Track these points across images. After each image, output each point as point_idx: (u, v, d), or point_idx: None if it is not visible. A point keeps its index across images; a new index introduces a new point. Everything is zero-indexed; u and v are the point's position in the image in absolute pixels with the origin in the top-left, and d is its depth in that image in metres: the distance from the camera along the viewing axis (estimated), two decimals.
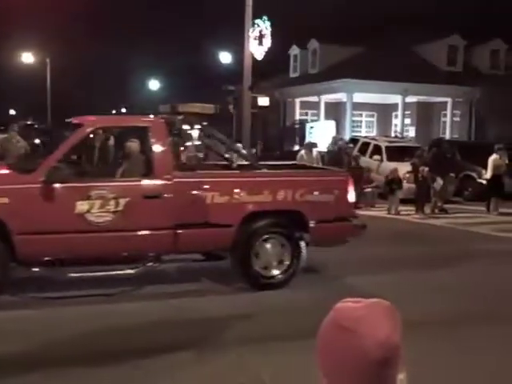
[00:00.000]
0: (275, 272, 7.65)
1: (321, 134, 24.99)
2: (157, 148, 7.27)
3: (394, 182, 15.31)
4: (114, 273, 7.09)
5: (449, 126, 30.66)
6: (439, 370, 5.19)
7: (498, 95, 26.57)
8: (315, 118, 31.03)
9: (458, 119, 30.93)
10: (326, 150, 16.87)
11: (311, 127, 27.95)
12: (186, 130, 9.62)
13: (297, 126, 28.92)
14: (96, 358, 5.29)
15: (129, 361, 5.22)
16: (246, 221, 7.41)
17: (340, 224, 7.92)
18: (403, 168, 16.38)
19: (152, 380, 4.93)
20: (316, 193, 7.73)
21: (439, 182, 15.16)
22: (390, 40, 30.11)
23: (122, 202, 6.91)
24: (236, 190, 7.39)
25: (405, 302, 7.02)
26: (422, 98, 30.76)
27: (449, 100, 30.21)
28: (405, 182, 16.01)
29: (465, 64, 31.61)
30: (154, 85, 50.64)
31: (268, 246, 7.63)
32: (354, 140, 21.32)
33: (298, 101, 32.48)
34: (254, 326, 6.30)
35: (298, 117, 31.92)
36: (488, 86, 27.60)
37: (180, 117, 8.30)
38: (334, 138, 17.38)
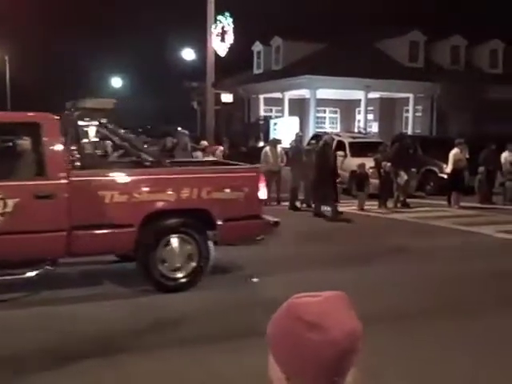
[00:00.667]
0: (181, 273, 7.36)
1: (285, 131, 25.03)
2: (49, 146, 6.85)
3: (362, 177, 15.32)
4: (3, 278, 6.67)
5: (411, 122, 31.05)
6: (395, 363, 5.23)
7: (458, 90, 26.97)
8: (279, 114, 31.10)
9: (419, 114, 31.33)
10: (289, 146, 16.89)
11: (275, 123, 27.98)
12: (84, 126, 9.25)
13: (261, 123, 28.91)
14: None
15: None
16: (147, 220, 7.09)
17: (250, 222, 7.67)
18: (366, 163, 16.50)
19: None
20: (224, 190, 7.49)
21: (403, 176, 15.30)
22: (352, 36, 30.33)
23: (11, 203, 6.51)
24: (136, 189, 7.09)
25: (363, 297, 7.10)
26: (384, 94, 31.06)
27: (411, 96, 30.57)
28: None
29: (426, 60, 32.03)
30: (116, 82, 50.08)
31: (173, 246, 7.34)
32: (317, 136, 21.40)
33: (261, 97, 32.50)
34: (187, 326, 6.23)
35: (262, 113, 31.94)
36: (449, 81, 27.99)
37: (77, 113, 8.04)
38: (296, 134, 17.40)
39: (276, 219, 8.18)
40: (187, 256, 7.39)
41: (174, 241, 7.34)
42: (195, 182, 7.39)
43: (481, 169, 16.41)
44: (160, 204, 7.23)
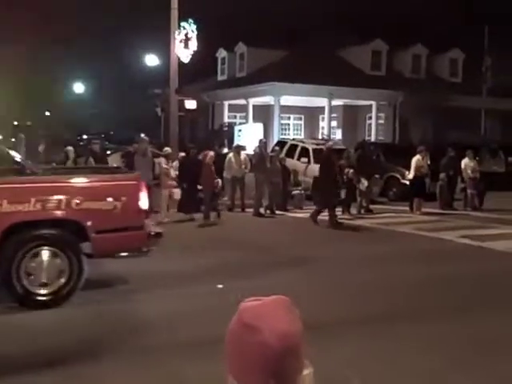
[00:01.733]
0: (48, 289, 6.85)
1: (249, 137, 25.06)
2: None
3: None
4: None
5: (374, 129, 31.38)
6: (353, 366, 5.24)
7: (419, 99, 27.39)
8: (243, 120, 31.11)
9: (382, 122, 31.69)
10: (253, 152, 16.91)
11: (239, 130, 28.00)
12: None
13: (225, 129, 28.90)
14: None
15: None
16: (8, 233, 6.67)
17: (128, 233, 7.21)
18: None
19: None
20: (98, 200, 7.04)
21: (364, 182, 15.46)
22: (316, 44, 30.57)
23: None
24: None
25: (319, 302, 7.12)
26: (347, 101, 31.34)
27: (373, 103, 30.91)
28: None
29: (388, 68, 32.44)
30: (78, 88, 49.51)
31: (41, 259, 6.85)
32: (281, 143, 21.48)
33: (226, 104, 32.47)
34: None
35: (226, 120, 31.90)
36: (410, 89, 28.41)
37: None
38: (260, 140, 17.44)
39: (159, 230, 7.78)
40: (57, 270, 6.90)
41: (42, 254, 6.87)
42: (64, 191, 6.92)
43: (442, 175, 16.67)
44: (23, 214, 6.70)
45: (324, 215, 13.63)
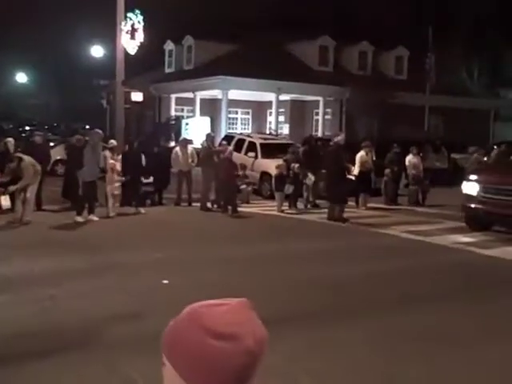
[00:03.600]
0: None
1: (196, 131, 24.88)
2: None
3: (281, 178, 15.36)
4: None
5: (321, 124, 31.62)
6: (307, 364, 5.24)
7: (365, 95, 27.76)
8: (191, 114, 30.86)
9: (329, 117, 31.97)
10: (200, 146, 16.77)
11: (187, 124, 27.76)
12: None
13: (172, 123, 28.57)
14: None
15: None
16: None
17: None
18: (273, 165, 16.63)
19: None
20: None
21: (311, 177, 15.55)
22: (264, 39, 30.55)
23: None
24: None
25: (261, 299, 7.10)
26: (295, 97, 31.49)
27: (320, 99, 31.14)
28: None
29: (335, 64, 32.73)
30: (21, 77, 48.13)
31: None
32: (229, 137, 21.41)
33: (173, 97, 32.13)
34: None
35: (173, 113, 31.57)
36: (356, 86, 28.75)
37: None
38: (207, 134, 17.31)
39: None
40: None
41: None
42: None
43: (387, 171, 16.93)
44: None
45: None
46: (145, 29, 20.38)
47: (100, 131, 13.84)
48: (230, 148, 16.11)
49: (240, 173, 16.21)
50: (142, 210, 14.09)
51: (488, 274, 8.98)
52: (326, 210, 13.94)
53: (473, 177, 12.86)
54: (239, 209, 14.54)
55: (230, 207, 14.30)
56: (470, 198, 12.49)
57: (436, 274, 8.81)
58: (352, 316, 6.69)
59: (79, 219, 12.59)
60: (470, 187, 12.62)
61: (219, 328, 1.17)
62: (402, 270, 8.99)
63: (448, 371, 5.21)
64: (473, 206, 12.40)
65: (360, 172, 15.91)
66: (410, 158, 17.54)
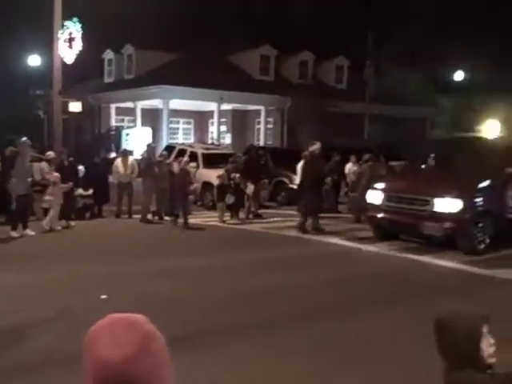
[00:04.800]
0: None
1: (137, 141, 24.58)
2: None
3: (223, 188, 15.27)
4: None
5: (263, 133, 31.77)
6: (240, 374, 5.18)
7: (306, 104, 28.04)
8: (132, 124, 30.48)
9: (271, 126, 32.16)
10: (140, 157, 16.55)
11: (127, 134, 27.39)
12: None
13: (112, 133, 28.15)
14: None
15: None
16: None
17: None
18: (214, 175, 16.56)
19: None
20: None
21: (250, 187, 15.53)
22: (205, 48, 30.52)
23: None
24: None
25: (204, 310, 7.03)
26: (236, 106, 31.55)
27: (262, 108, 31.29)
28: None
29: (276, 74, 32.97)
30: None
31: None
32: (170, 147, 21.22)
33: (113, 106, 31.68)
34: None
35: (113, 123, 31.11)
36: (297, 95, 29.01)
37: None
38: (148, 145, 17.10)
39: None
40: None
41: None
42: None
43: (327, 179, 17.07)
44: None
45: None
46: (83, 37, 20.02)
47: (28, 141, 13.35)
48: (185, 158, 15.96)
49: (195, 185, 15.92)
50: (72, 223, 13.69)
51: (419, 281, 9.16)
52: (274, 220, 13.94)
53: (377, 185, 12.63)
54: (180, 220, 14.39)
55: (180, 220, 14.15)
56: (374, 207, 12.34)
57: (376, 281, 8.92)
58: (296, 323, 6.70)
59: (14, 234, 12.18)
60: (375, 196, 12.45)
61: (89, 333, 1.21)
62: (343, 277, 9.06)
63: (385, 377, 5.26)
64: (378, 215, 12.24)
65: (301, 181, 15.96)
66: (349, 166, 17.77)
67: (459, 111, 37.99)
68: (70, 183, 13.85)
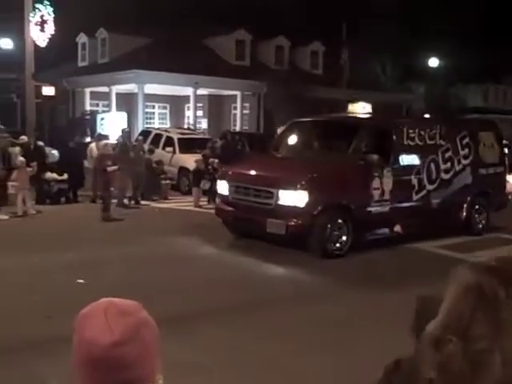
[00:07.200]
0: None
1: (112, 126, 24.33)
2: None
3: (199, 173, 15.25)
4: None
5: (239, 119, 31.67)
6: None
7: (282, 89, 27.99)
8: (107, 109, 30.13)
9: (247, 112, 32.06)
10: (115, 141, 16.41)
11: (102, 118, 27.07)
12: None
13: (87, 118, 27.80)
14: None
15: None
16: None
17: None
18: (191, 160, 16.52)
19: None
20: None
21: None
22: (181, 32, 30.25)
23: None
24: None
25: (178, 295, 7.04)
26: (212, 91, 31.36)
27: (238, 93, 31.16)
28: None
29: (252, 59, 32.81)
30: None
31: None
32: (146, 132, 21.08)
33: (87, 91, 31.27)
34: None
35: (88, 107, 30.74)
36: (273, 80, 28.94)
37: None
38: (123, 130, 16.96)
39: None
40: None
41: None
42: None
43: None
44: None
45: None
46: (55, 20, 19.74)
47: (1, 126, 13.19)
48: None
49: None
50: (41, 207, 13.59)
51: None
52: None
53: (225, 174, 11.07)
54: (158, 205, 14.32)
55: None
56: (224, 199, 10.80)
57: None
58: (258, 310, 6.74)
59: None
60: (223, 187, 10.82)
61: (78, 316, 1.21)
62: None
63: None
64: (225, 209, 10.66)
65: None
66: None
67: (434, 97, 38.33)
68: (33, 165, 13.63)
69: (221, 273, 8.46)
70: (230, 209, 10.44)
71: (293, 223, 9.29)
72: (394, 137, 10.54)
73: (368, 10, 37.15)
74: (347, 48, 30.29)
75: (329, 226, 9.46)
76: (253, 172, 10.49)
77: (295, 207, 9.30)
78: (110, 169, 12.92)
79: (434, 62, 39.25)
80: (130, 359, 1.15)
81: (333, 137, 11.40)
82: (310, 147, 11.68)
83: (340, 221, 9.60)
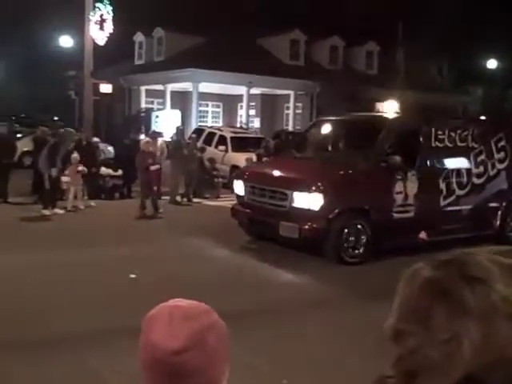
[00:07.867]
0: None
1: (166, 124, 24.68)
2: None
3: None
4: None
5: (292, 118, 31.63)
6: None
7: (335, 89, 27.82)
8: (161, 106, 30.58)
9: (300, 111, 31.99)
10: (169, 139, 16.64)
11: (157, 116, 27.51)
12: None
13: (142, 115, 28.29)
14: None
15: None
16: None
17: None
18: (243, 158, 16.59)
19: None
20: None
21: None
22: (236, 32, 30.41)
23: None
24: None
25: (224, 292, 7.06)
26: (265, 90, 31.41)
27: (291, 93, 31.13)
28: None
29: (306, 59, 32.74)
30: None
31: None
32: (199, 130, 21.30)
33: (143, 89, 31.81)
34: None
35: (143, 105, 31.26)
36: (327, 80, 28.79)
37: None
38: (177, 127, 17.18)
39: None
40: None
41: None
42: None
43: None
44: None
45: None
46: (114, 19, 20.14)
47: (71, 130, 13.52)
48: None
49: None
50: (92, 203, 13.87)
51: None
52: None
53: (241, 174, 10.90)
54: (209, 202, 14.44)
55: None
56: (240, 200, 10.53)
57: None
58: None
59: (46, 212, 12.39)
60: (239, 187, 10.52)
61: (145, 317, 1.20)
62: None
63: None
64: (241, 210, 10.41)
65: None
66: None
67: (492, 100, 37.41)
68: (82, 167, 13.63)
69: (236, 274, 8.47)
70: (246, 210, 10.18)
71: (306, 227, 8.91)
72: (421, 138, 10.06)
73: (425, 10, 36.55)
74: (403, 48, 29.87)
75: (346, 230, 9.01)
76: (268, 172, 10.17)
77: (309, 210, 8.92)
78: (152, 168, 13.00)
79: (492, 64, 38.32)
80: (191, 367, 1.12)
81: (356, 137, 10.79)
82: (332, 147, 11.34)
83: (358, 226, 9.12)
